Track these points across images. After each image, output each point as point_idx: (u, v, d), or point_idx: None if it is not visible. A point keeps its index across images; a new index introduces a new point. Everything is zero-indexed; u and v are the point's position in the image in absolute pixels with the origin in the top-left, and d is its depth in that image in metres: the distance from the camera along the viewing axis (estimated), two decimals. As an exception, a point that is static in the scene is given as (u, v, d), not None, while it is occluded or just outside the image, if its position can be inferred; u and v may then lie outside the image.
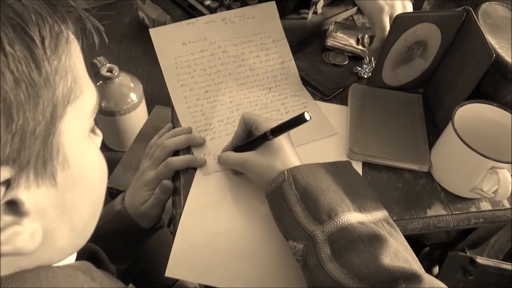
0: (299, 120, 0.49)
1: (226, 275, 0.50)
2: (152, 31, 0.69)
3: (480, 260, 0.74)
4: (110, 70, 1.40)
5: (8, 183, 0.25)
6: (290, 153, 0.52)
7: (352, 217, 0.44)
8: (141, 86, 1.50)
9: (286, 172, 0.47)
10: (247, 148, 0.54)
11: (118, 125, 1.48)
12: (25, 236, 0.26)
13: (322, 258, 0.43)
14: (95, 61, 1.40)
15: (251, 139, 0.54)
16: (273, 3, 0.74)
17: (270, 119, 0.56)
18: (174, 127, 0.66)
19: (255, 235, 0.53)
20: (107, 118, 1.45)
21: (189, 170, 0.59)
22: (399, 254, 0.42)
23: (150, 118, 1.38)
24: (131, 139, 1.35)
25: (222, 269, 0.51)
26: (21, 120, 0.24)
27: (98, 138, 0.35)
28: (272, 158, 0.50)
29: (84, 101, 0.29)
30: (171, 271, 0.50)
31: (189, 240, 0.52)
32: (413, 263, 0.42)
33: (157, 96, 1.79)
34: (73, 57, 0.28)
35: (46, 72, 0.25)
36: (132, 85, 1.47)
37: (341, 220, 0.44)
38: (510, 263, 0.75)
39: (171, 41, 0.69)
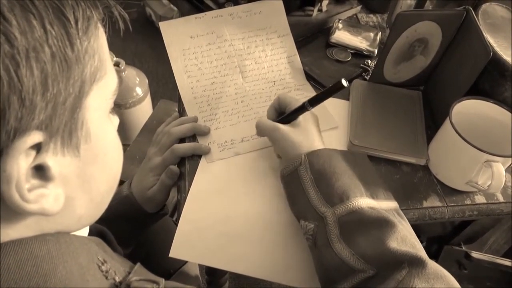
0: (337, 87, 0.51)
1: (228, 258, 0.52)
2: (162, 24, 0.71)
3: (475, 254, 0.76)
4: (116, 64, 1.42)
5: (38, 148, 0.27)
6: (316, 137, 0.55)
7: (363, 201, 0.46)
8: (146, 80, 1.53)
9: (303, 157, 0.50)
10: (285, 121, 0.57)
11: (123, 119, 1.51)
12: (50, 198, 0.28)
13: (331, 238, 0.45)
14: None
15: (291, 111, 0.57)
16: (280, 1, 0.76)
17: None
18: (181, 117, 0.68)
19: (257, 220, 0.55)
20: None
21: (194, 157, 0.61)
22: (406, 239, 0.44)
23: (155, 111, 1.40)
24: (136, 132, 1.37)
25: (225, 252, 0.53)
26: (55, 90, 0.26)
27: (116, 120, 0.38)
28: (300, 138, 0.53)
29: (107, 82, 0.32)
30: (175, 252, 0.52)
31: (193, 223, 0.54)
32: (419, 249, 0.44)
33: (162, 90, 1.81)
34: (100, 40, 0.30)
35: (77, 50, 0.27)
36: (137, 79, 1.49)
37: (352, 204, 0.46)
38: (504, 258, 0.76)
39: (179, 34, 0.72)
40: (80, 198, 0.32)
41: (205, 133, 0.64)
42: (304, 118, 0.56)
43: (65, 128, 0.28)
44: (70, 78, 0.27)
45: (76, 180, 0.31)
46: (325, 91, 0.53)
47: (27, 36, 0.24)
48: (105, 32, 0.32)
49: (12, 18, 0.24)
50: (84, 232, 0.39)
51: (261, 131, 0.59)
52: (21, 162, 0.26)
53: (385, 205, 0.48)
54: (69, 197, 0.30)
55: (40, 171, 0.28)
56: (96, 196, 0.34)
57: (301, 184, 0.49)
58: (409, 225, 0.48)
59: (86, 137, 0.30)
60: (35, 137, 0.26)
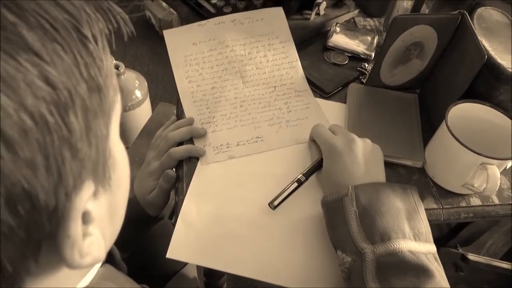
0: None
1: (225, 259, 0.53)
2: (166, 32, 0.73)
3: (472, 256, 0.76)
4: (116, 67, 1.43)
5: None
6: (374, 170, 0.53)
7: (405, 245, 0.45)
8: (146, 83, 1.53)
9: (350, 188, 0.48)
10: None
11: (122, 121, 1.50)
12: (95, 245, 0.26)
13: (367, 277, 0.44)
14: (102, 57, 1.42)
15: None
16: (281, 8, 0.77)
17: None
18: (178, 120, 0.68)
19: (254, 221, 0.55)
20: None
21: (192, 160, 0.62)
22: None
23: (154, 114, 1.41)
24: (135, 135, 1.37)
25: (222, 253, 0.53)
26: (96, 128, 0.23)
27: None
28: (356, 166, 0.52)
29: (120, 100, 0.29)
30: (172, 253, 0.52)
31: (190, 224, 0.54)
32: None
33: (162, 93, 1.82)
34: (109, 54, 0.26)
35: (105, 74, 0.24)
36: (137, 82, 1.50)
37: (393, 246, 0.44)
38: (500, 261, 0.77)
39: (182, 41, 0.73)
40: (109, 231, 0.30)
41: (202, 135, 0.64)
42: (365, 149, 0.55)
43: (101, 165, 0.25)
44: (104, 108, 0.24)
45: (107, 215, 0.29)
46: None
47: (63, 73, 0.21)
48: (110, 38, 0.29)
49: (44, 54, 0.20)
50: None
51: (315, 136, 0.59)
52: (79, 221, 0.24)
53: (425, 248, 0.46)
54: (103, 235, 0.28)
55: (83, 216, 0.25)
56: (118, 223, 0.33)
57: (344, 215, 0.48)
58: (443, 270, 0.47)
59: (114, 166, 0.28)
60: (90, 188, 0.24)
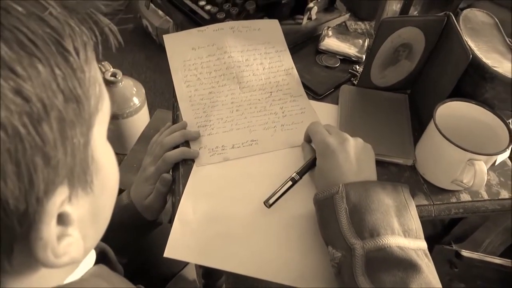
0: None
1: (221, 257, 0.54)
2: (166, 37, 0.75)
3: (465, 253, 0.77)
4: (114, 75, 1.45)
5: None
6: (365, 168, 0.54)
7: (393, 240, 0.46)
8: (143, 90, 1.55)
9: (341, 186, 0.50)
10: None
11: (120, 128, 1.53)
12: (74, 245, 0.27)
13: (356, 271, 0.45)
14: (99, 66, 1.44)
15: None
16: (277, 21, 0.80)
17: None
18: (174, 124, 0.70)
19: (249, 220, 0.57)
20: (110, 121, 1.49)
21: (188, 162, 0.63)
22: (430, 285, 0.44)
23: (152, 120, 1.43)
24: (133, 141, 1.39)
25: (218, 251, 0.54)
26: (72, 137, 0.24)
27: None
28: (348, 164, 0.53)
29: (107, 107, 0.30)
30: (169, 252, 0.53)
31: (187, 223, 0.56)
32: None
33: (159, 100, 1.84)
34: (94, 64, 0.27)
35: (84, 85, 0.25)
36: (134, 89, 1.52)
37: (381, 241, 0.46)
38: (493, 256, 0.78)
39: (182, 46, 0.75)
40: (91, 232, 0.31)
41: (195, 138, 0.66)
42: (357, 148, 0.56)
43: (80, 170, 0.26)
44: (82, 117, 0.25)
45: (89, 217, 0.30)
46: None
47: (39, 85, 0.22)
48: (98, 49, 0.29)
49: (19, 68, 0.21)
50: (91, 257, 0.39)
51: (311, 134, 0.60)
52: (53, 224, 0.24)
53: (415, 244, 0.47)
54: (84, 236, 0.29)
55: (60, 218, 0.26)
56: (103, 224, 0.34)
57: (334, 212, 0.49)
58: (434, 267, 0.48)
59: (96, 171, 0.29)
60: (63, 193, 0.25)
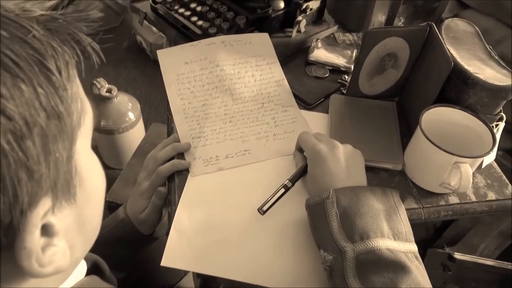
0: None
1: (217, 264, 0.55)
2: (160, 52, 0.77)
3: (458, 256, 0.79)
4: (109, 91, 1.47)
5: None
6: (355, 174, 0.56)
7: (383, 243, 0.47)
8: (138, 105, 1.57)
9: (331, 191, 0.51)
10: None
11: (116, 143, 1.54)
12: (60, 254, 0.28)
13: (347, 273, 0.47)
14: (95, 82, 1.46)
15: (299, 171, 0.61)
16: (266, 34, 0.82)
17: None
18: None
19: (244, 227, 0.58)
20: (105, 136, 1.51)
21: (183, 172, 0.65)
22: (419, 286, 0.45)
23: (147, 134, 1.44)
24: (129, 157, 1.40)
25: (214, 259, 0.55)
26: (55, 151, 0.25)
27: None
28: (338, 170, 0.55)
29: (89, 120, 0.31)
30: (166, 261, 0.54)
31: (183, 232, 0.57)
32: None
33: (154, 114, 1.86)
34: (76, 80, 0.29)
35: (66, 102, 0.27)
36: (130, 104, 1.54)
37: (371, 244, 0.47)
38: (485, 258, 0.79)
39: (175, 60, 0.77)
40: (79, 241, 0.32)
41: (185, 149, 0.67)
42: (347, 154, 0.58)
43: (63, 182, 0.28)
44: (65, 133, 0.27)
45: (75, 227, 0.31)
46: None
47: (22, 104, 0.23)
48: (81, 66, 0.30)
49: (2, 88, 0.22)
50: (83, 267, 0.40)
51: (301, 143, 0.62)
52: (37, 234, 0.26)
53: (405, 247, 0.49)
54: (71, 246, 0.30)
55: (44, 229, 0.27)
56: (91, 234, 0.35)
57: (325, 217, 0.51)
58: (424, 269, 0.49)
59: (80, 182, 0.30)
60: (46, 205, 0.26)
